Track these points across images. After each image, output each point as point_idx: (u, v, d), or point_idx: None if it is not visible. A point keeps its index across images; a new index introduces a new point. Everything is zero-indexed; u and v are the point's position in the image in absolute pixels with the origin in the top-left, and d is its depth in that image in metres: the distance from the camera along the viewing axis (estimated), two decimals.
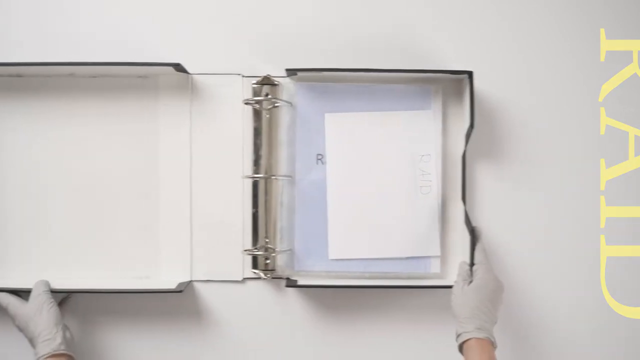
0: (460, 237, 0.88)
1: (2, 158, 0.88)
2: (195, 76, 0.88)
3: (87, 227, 0.88)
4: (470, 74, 0.85)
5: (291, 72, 0.85)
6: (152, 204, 0.88)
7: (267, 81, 0.88)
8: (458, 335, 0.78)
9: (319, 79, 0.88)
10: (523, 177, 0.90)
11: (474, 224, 0.86)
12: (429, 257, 0.88)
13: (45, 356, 0.76)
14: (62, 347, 0.77)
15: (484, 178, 0.90)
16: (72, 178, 0.88)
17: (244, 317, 0.89)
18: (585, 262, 0.90)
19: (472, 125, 0.84)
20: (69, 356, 0.78)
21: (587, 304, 0.89)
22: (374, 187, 0.88)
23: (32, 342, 0.79)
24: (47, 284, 0.83)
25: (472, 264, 0.84)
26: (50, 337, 0.78)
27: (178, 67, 0.84)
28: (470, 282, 0.81)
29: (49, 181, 0.88)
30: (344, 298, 0.89)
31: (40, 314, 0.79)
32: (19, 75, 0.88)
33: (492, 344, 0.76)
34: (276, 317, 0.89)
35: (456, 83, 0.89)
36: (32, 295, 0.81)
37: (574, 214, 0.90)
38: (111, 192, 0.88)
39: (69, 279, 0.87)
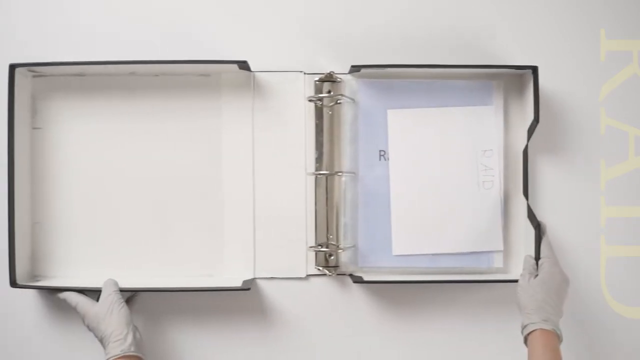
0: (522, 232, 0.89)
1: (66, 158, 0.88)
2: (257, 74, 0.88)
3: (151, 226, 0.88)
4: (534, 68, 0.85)
5: (355, 68, 0.85)
6: (215, 202, 0.88)
7: (329, 78, 0.88)
8: (524, 327, 0.78)
9: (381, 75, 0.88)
10: (583, 172, 0.90)
11: (538, 218, 0.86)
12: (491, 252, 0.89)
13: (115, 357, 0.76)
14: (133, 348, 0.77)
15: (546, 172, 0.90)
16: (135, 177, 0.88)
17: (308, 314, 0.89)
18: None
19: (537, 120, 0.85)
20: (139, 358, 0.78)
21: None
22: (436, 183, 0.88)
23: (102, 342, 0.79)
24: (116, 283, 0.83)
25: (537, 258, 0.84)
26: (121, 338, 0.78)
27: (242, 65, 0.84)
28: (536, 275, 0.82)
29: (113, 180, 0.88)
30: (407, 294, 0.89)
31: (111, 314, 0.79)
32: (80, 75, 0.88)
33: (558, 337, 0.77)
34: (340, 313, 0.89)
35: (516, 78, 0.89)
36: (103, 295, 0.81)
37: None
38: (175, 190, 0.88)
39: (133, 278, 0.87)
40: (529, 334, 0.77)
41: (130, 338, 0.78)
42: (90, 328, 0.81)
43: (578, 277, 0.89)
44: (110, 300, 0.80)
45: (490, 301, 0.90)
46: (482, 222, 0.88)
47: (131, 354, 0.77)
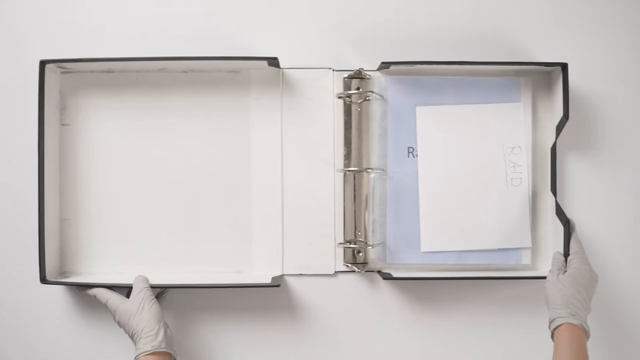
0: (550, 229, 0.89)
1: (94, 154, 0.88)
2: (286, 70, 0.88)
3: (179, 223, 0.88)
4: (564, 65, 0.85)
5: (385, 65, 0.85)
6: (244, 198, 0.88)
7: (358, 75, 0.88)
8: (551, 321, 0.78)
9: (410, 72, 0.88)
10: (611, 169, 0.90)
11: (568, 215, 0.87)
12: (520, 248, 0.89)
13: (146, 353, 0.76)
14: (163, 344, 0.77)
15: (574, 170, 0.90)
16: (163, 174, 0.88)
17: (336, 311, 0.89)
18: (614, 260, 0.90)
19: (566, 117, 0.85)
20: (170, 354, 0.78)
21: (617, 302, 0.90)
22: (464, 180, 0.88)
23: (132, 338, 0.79)
24: (146, 279, 0.83)
25: (566, 255, 0.84)
26: (152, 335, 0.78)
27: (272, 62, 0.84)
28: (565, 271, 0.82)
29: (141, 177, 0.88)
30: (435, 290, 0.89)
31: (142, 311, 0.79)
32: (109, 71, 0.88)
33: (585, 333, 0.77)
34: (369, 310, 0.89)
35: (544, 75, 0.89)
36: (134, 291, 0.81)
37: (604, 212, 0.90)
38: (203, 187, 0.88)
39: (161, 274, 0.87)
40: (555, 329, 0.77)
41: (161, 334, 0.78)
42: (120, 324, 0.81)
43: (607, 275, 0.90)
44: (141, 297, 0.80)
45: (519, 298, 0.90)
46: (510, 219, 0.88)
47: (162, 350, 0.77)
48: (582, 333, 0.76)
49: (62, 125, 0.88)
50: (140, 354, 0.77)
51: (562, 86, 0.85)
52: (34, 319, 0.88)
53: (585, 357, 0.75)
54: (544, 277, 0.84)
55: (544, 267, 0.89)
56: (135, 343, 0.79)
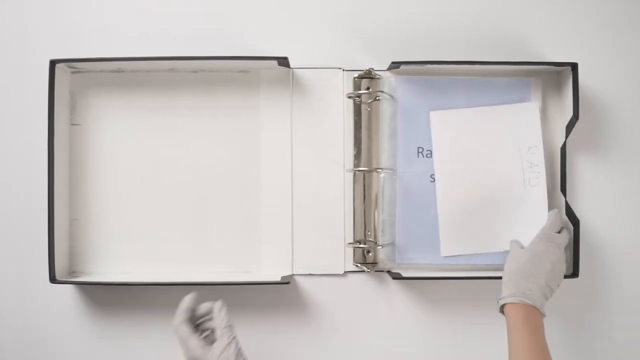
0: None
1: (104, 154, 0.88)
2: (296, 70, 0.88)
3: (189, 222, 0.88)
4: (574, 65, 0.85)
5: (395, 65, 0.85)
6: (253, 198, 0.88)
7: (368, 75, 0.88)
8: (500, 299, 0.76)
9: (420, 72, 0.88)
10: (621, 169, 0.90)
11: (577, 215, 0.87)
12: None
13: None
14: None
15: (584, 169, 0.90)
16: (173, 173, 0.88)
17: (346, 311, 0.89)
18: (625, 260, 0.90)
19: (576, 117, 0.85)
20: None
21: (628, 304, 0.90)
22: (483, 182, 0.87)
23: None
24: (231, 327, 0.75)
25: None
26: None
27: (282, 61, 0.85)
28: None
29: (151, 177, 0.88)
30: (445, 290, 0.89)
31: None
32: (119, 71, 0.88)
33: (534, 310, 0.73)
34: (378, 310, 0.89)
35: (554, 75, 0.89)
36: (219, 343, 0.73)
37: (614, 212, 0.90)
38: (213, 187, 0.88)
39: (170, 274, 0.87)
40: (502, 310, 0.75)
41: None
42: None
43: (617, 275, 0.90)
44: (228, 354, 0.72)
45: None
46: (528, 219, 0.87)
47: None
48: (526, 309, 0.73)
49: (72, 125, 0.88)
50: None
51: (572, 86, 0.85)
52: (43, 318, 0.88)
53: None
54: None
55: None
56: None
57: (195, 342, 0.73)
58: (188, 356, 0.74)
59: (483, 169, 0.87)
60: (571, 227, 0.85)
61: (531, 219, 0.87)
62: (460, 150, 0.87)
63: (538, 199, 0.87)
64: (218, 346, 0.73)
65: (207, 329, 0.77)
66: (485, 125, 0.87)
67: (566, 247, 0.83)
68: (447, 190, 0.87)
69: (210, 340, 0.75)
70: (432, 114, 0.87)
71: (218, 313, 0.75)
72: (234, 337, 0.73)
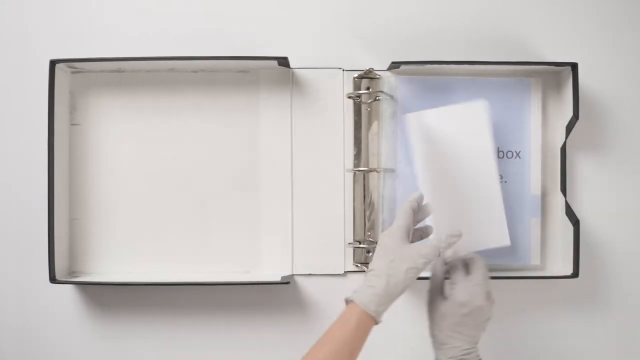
0: (560, 229, 0.89)
1: (104, 154, 0.88)
2: (296, 70, 0.88)
3: (188, 222, 0.88)
4: (574, 65, 0.85)
5: (395, 65, 0.85)
6: (253, 199, 0.88)
7: (368, 75, 0.88)
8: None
9: (420, 72, 0.88)
10: (621, 169, 0.90)
11: (577, 215, 0.86)
12: (529, 248, 0.89)
13: None
14: None
15: (584, 169, 0.90)
16: (173, 173, 0.88)
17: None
18: (624, 261, 0.90)
19: (576, 117, 0.85)
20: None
21: (628, 305, 0.90)
22: (459, 183, 0.84)
23: None
24: None
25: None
26: None
27: (282, 61, 0.85)
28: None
29: (150, 177, 0.88)
30: None
31: None
32: (119, 71, 0.88)
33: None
34: None
35: (554, 75, 0.89)
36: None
37: (614, 213, 0.90)
38: (212, 187, 0.88)
39: (170, 274, 0.87)
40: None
41: None
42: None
43: (617, 275, 0.90)
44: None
45: (527, 298, 0.90)
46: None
47: None
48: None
49: (72, 125, 0.88)
50: None
51: (572, 86, 0.85)
52: (43, 318, 0.88)
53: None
54: (553, 277, 0.85)
55: (553, 267, 0.89)
56: None
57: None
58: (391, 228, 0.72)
59: (460, 169, 0.84)
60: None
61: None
62: (436, 151, 0.84)
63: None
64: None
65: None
66: (455, 125, 0.85)
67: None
68: (432, 192, 0.82)
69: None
70: (408, 116, 0.85)
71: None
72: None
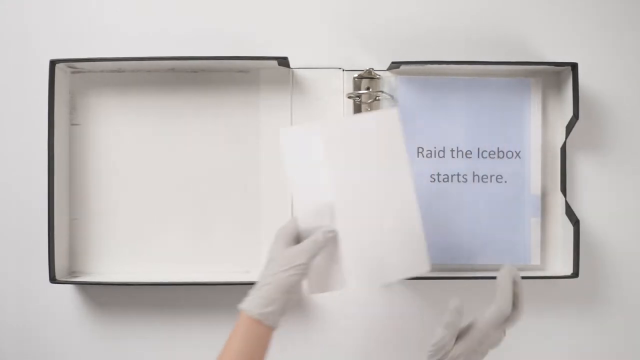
0: (560, 229, 0.89)
1: (104, 154, 0.88)
2: (296, 70, 0.88)
3: (188, 222, 0.88)
4: (574, 65, 0.85)
5: (395, 65, 0.85)
6: (253, 198, 0.88)
7: (368, 75, 0.88)
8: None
9: (420, 72, 0.88)
10: (621, 169, 0.90)
11: (577, 215, 0.86)
12: (529, 248, 0.89)
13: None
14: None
15: (584, 169, 0.90)
16: (173, 173, 0.88)
17: (346, 310, 0.89)
18: (624, 261, 0.90)
19: (576, 117, 0.85)
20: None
21: (629, 305, 0.90)
22: (380, 201, 0.76)
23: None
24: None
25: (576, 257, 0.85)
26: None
27: (282, 61, 0.84)
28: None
29: (150, 177, 0.88)
30: (445, 290, 0.89)
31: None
32: (119, 71, 0.88)
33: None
34: (380, 309, 0.89)
35: (554, 75, 0.90)
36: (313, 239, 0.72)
37: (614, 213, 0.90)
38: (212, 187, 0.88)
39: (170, 274, 0.87)
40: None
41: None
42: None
43: (617, 275, 0.90)
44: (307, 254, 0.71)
45: (527, 298, 0.89)
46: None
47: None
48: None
49: (72, 125, 0.88)
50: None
51: (572, 86, 0.85)
52: (43, 318, 0.88)
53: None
54: (553, 277, 0.86)
55: (553, 267, 0.89)
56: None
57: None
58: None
59: (367, 188, 0.75)
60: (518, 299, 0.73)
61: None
62: (343, 169, 0.75)
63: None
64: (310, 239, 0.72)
65: None
66: (358, 137, 0.75)
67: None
68: (341, 215, 0.74)
69: None
70: (282, 130, 0.76)
71: None
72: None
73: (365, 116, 0.82)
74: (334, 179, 0.74)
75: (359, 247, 0.74)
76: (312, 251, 0.72)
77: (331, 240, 0.73)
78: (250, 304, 0.70)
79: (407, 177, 0.76)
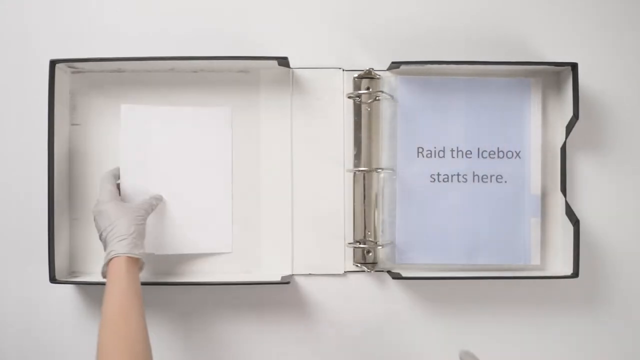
0: (560, 229, 0.89)
1: (104, 154, 0.88)
2: (296, 70, 0.88)
3: (189, 221, 0.88)
4: (574, 65, 0.85)
5: (395, 65, 0.86)
6: (253, 198, 0.88)
7: (368, 75, 0.88)
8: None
9: (420, 72, 0.88)
10: (621, 169, 0.90)
11: (577, 215, 0.86)
12: (529, 248, 0.89)
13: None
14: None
15: (584, 169, 0.90)
16: (173, 173, 0.88)
17: (346, 310, 0.89)
18: (624, 262, 0.90)
19: (576, 117, 0.85)
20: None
21: (628, 306, 0.90)
22: (198, 185, 0.88)
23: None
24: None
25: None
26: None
27: (282, 61, 0.84)
28: None
29: (150, 176, 0.88)
30: (444, 290, 0.89)
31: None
32: (119, 71, 0.88)
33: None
34: (379, 309, 0.89)
35: (554, 75, 0.90)
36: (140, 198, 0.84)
37: (615, 213, 0.90)
38: (212, 187, 0.88)
39: (170, 273, 0.87)
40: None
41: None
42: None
43: (617, 276, 0.90)
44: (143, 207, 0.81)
45: (527, 298, 0.90)
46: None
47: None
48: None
49: (72, 125, 0.88)
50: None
51: (572, 86, 0.85)
52: (43, 318, 0.88)
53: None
54: (553, 277, 0.86)
55: (553, 267, 0.89)
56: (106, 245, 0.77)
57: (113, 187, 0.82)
58: (100, 198, 0.80)
59: (188, 171, 0.88)
60: None
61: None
62: (149, 149, 0.87)
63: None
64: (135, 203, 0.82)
65: None
66: (182, 126, 0.88)
67: None
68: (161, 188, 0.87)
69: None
70: (123, 106, 0.86)
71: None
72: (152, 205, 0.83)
73: (202, 110, 0.88)
74: (164, 156, 0.86)
75: (169, 218, 0.87)
76: (150, 207, 0.83)
77: (156, 206, 0.84)
78: (125, 249, 0.75)
79: (228, 170, 0.88)
